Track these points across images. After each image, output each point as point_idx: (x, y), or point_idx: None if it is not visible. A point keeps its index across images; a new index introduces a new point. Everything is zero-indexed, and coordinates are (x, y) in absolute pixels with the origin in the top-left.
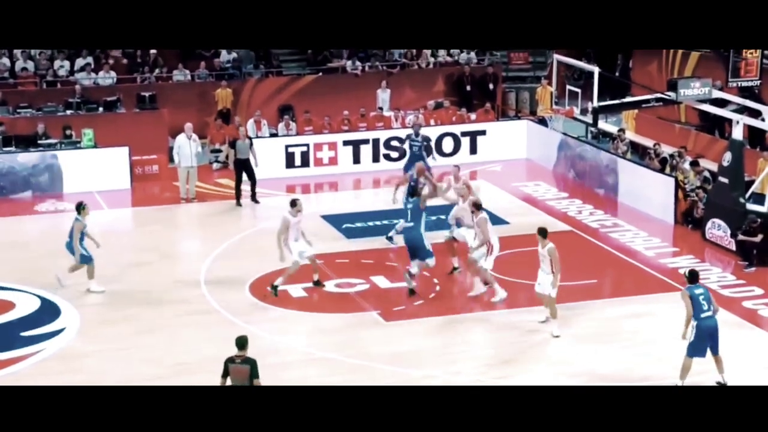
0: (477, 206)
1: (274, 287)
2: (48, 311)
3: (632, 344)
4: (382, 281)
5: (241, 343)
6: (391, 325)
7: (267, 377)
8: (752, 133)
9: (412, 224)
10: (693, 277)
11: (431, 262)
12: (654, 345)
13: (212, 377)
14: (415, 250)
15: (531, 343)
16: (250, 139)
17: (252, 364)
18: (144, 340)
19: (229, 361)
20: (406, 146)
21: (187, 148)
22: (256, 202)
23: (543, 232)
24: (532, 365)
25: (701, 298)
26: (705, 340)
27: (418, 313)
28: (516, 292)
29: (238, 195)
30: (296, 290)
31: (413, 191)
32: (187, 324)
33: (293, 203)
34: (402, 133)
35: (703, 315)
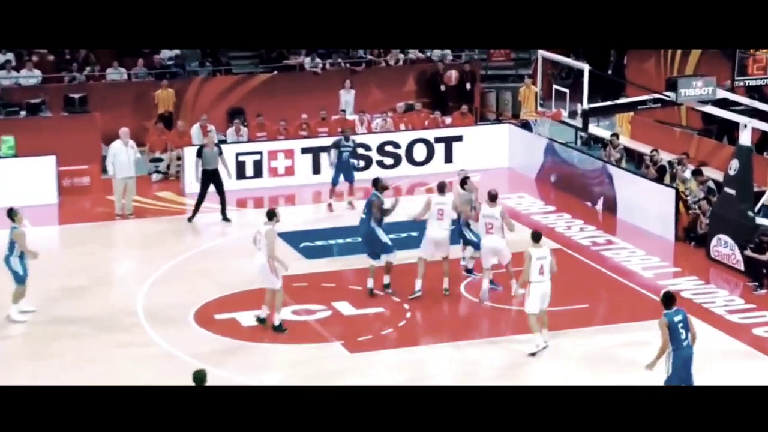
0: (493, 198)
1: (278, 326)
2: None
3: (628, 377)
4: (345, 307)
5: (200, 378)
6: (355, 357)
7: None
8: (762, 138)
9: (364, 216)
10: (669, 301)
11: (393, 258)
12: (652, 377)
13: None
14: (372, 246)
15: (509, 376)
16: (219, 146)
17: None
18: (74, 376)
19: None
20: (332, 155)
21: (123, 156)
22: (227, 220)
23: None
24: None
25: (680, 326)
26: (681, 371)
27: (385, 343)
28: (495, 318)
29: (195, 210)
30: (248, 318)
31: (376, 183)
32: (123, 358)
33: (271, 215)
34: (370, 140)
35: (683, 344)
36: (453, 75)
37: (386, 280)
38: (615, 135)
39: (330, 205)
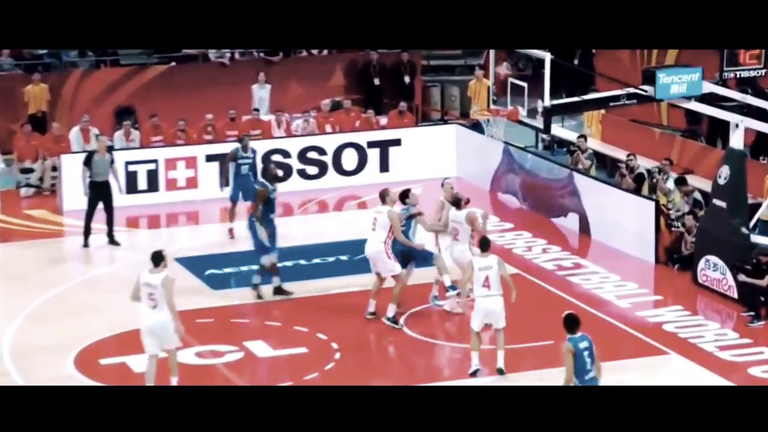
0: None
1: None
2: None
3: None
4: (260, 348)
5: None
6: None
7: None
8: (758, 139)
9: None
10: (573, 324)
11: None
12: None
13: None
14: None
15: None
16: (112, 152)
17: None
18: None
19: None
20: (229, 169)
21: None
22: (115, 243)
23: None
24: None
25: (585, 353)
26: None
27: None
28: (439, 357)
29: (86, 232)
30: (138, 362)
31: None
32: None
33: (157, 259)
34: (290, 145)
35: (587, 376)
36: None
37: (276, 281)
38: (583, 137)
39: (231, 230)
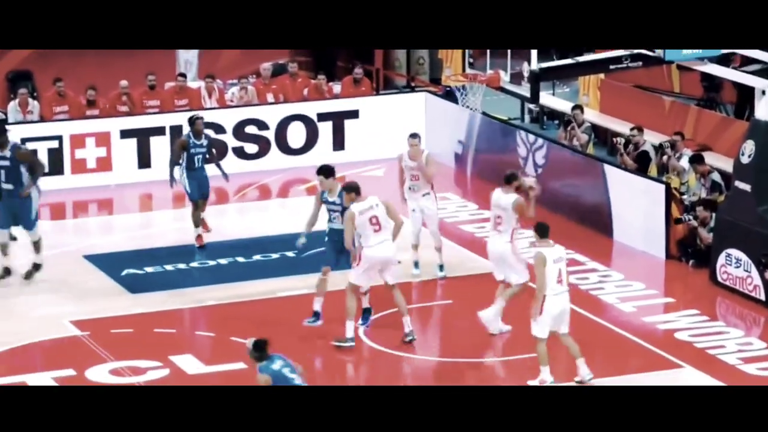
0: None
1: None
2: None
3: None
4: (189, 363)
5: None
6: None
7: None
8: None
9: None
10: (261, 349)
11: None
12: None
13: None
14: None
15: None
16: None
17: None
18: None
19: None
20: (176, 171)
21: None
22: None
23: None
24: None
25: (287, 371)
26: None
27: None
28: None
29: None
30: (43, 380)
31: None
32: None
33: None
34: (223, 118)
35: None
36: None
37: None
38: (578, 108)
39: (200, 237)
